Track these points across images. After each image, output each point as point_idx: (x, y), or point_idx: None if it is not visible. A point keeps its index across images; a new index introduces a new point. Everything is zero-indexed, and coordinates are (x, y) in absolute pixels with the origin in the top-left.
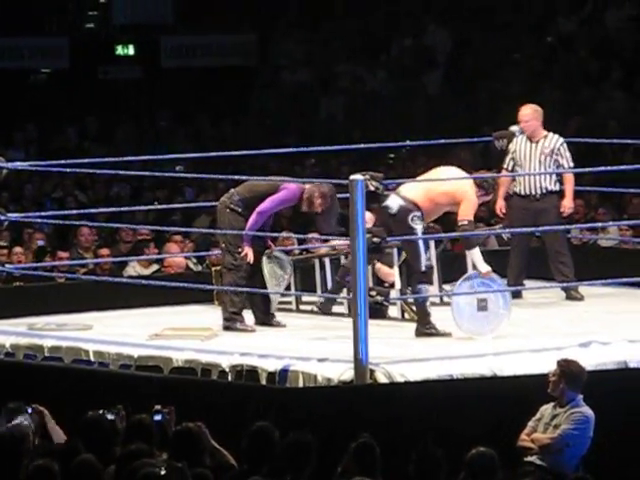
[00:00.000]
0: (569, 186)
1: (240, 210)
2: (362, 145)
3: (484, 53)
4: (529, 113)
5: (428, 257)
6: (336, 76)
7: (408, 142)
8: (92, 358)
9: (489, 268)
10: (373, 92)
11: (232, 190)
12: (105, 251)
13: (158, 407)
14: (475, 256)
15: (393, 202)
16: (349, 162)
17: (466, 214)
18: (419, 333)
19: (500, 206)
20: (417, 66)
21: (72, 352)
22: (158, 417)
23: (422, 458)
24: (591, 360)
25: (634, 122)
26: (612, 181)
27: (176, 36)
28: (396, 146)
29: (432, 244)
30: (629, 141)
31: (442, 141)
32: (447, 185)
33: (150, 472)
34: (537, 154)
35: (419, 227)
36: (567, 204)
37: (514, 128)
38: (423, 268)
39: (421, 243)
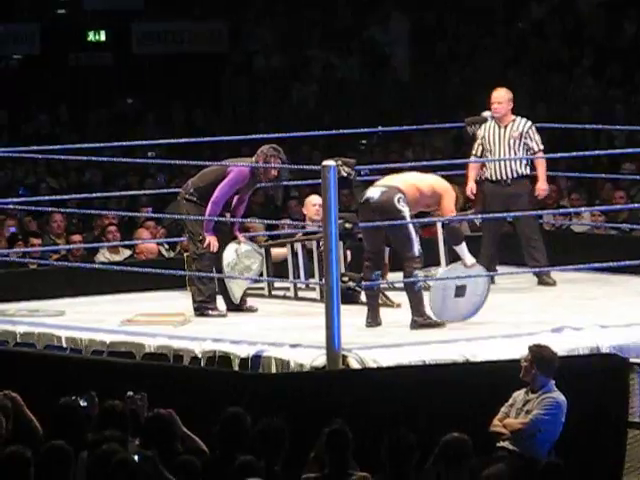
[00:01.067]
0: (541, 169)
1: (195, 199)
2: (333, 131)
3: (455, 39)
4: (503, 95)
5: (418, 241)
6: (307, 62)
7: (380, 128)
8: (64, 344)
9: (474, 260)
10: (344, 78)
11: (188, 181)
12: (77, 237)
13: (130, 393)
14: (462, 250)
15: (374, 192)
16: (321, 148)
17: (450, 209)
18: (417, 325)
19: (471, 188)
20: (387, 52)
21: (44, 338)
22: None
23: (394, 443)
24: (563, 345)
25: (605, 108)
26: (584, 167)
27: (147, 22)
28: (368, 132)
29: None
30: (600, 127)
31: (414, 127)
32: (429, 177)
33: (123, 458)
34: (506, 138)
35: (406, 209)
36: (541, 187)
37: (486, 114)
38: (417, 253)
39: (411, 227)
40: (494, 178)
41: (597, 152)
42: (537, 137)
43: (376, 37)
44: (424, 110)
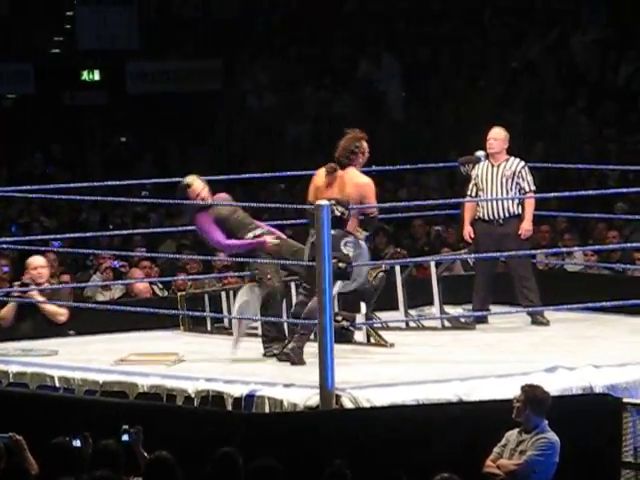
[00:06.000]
0: (529, 209)
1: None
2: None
3: (449, 78)
4: (499, 132)
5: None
6: (302, 101)
7: (373, 167)
8: (57, 384)
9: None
10: (338, 116)
11: None
12: (66, 277)
13: (126, 427)
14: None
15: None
16: None
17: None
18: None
19: (468, 231)
20: (381, 92)
21: (37, 378)
22: (125, 437)
23: None
24: (557, 385)
25: (598, 148)
26: (577, 206)
27: (141, 62)
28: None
29: (397, 269)
30: (594, 167)
31: (408, 166)
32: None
33: None
34: (498, 177)
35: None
36: (525, 226)
37: (479, 153)
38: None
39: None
40: (486, 217)
41: (590, 192)
42: (529, 177)
43: (369, 76)
44: (418, 149)
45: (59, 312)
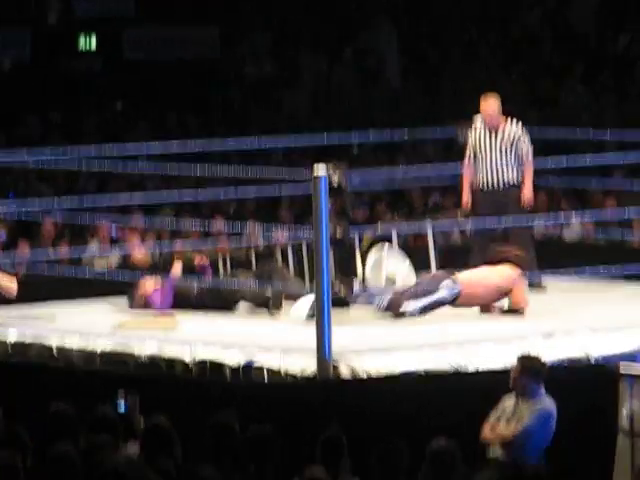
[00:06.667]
0: (528, 176)
1: None
2: (325, 139)
3: (447, 46)
4: (492, 104)
5: None
6: (299, 69)
7: (371, 136)
8: (55, 351)
9: None
10: (336, 85)
11: None
12: (63, 244)
13: (123, 393)
14: None
15: None
16: (312, 155)
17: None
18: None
19: (466, 201)
20: (379, 60)
21: (35, 344)
22: (122, 404)
23: (384, 451)
24: (554, 352)
25: (596, 116)
26: (575, 175)
27: (139, 29)
28: (359, 140)
29: (394, 237)
30: (591, 135)
31: (405, 135)
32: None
33: (110, 466)
34: (497, 145)
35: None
36: (526, 194)
37: (477, 120)
38: None
39: None
40: (486, 187)
41: (588, 159)
42: (528, 143)
43: (367, 45)
44: (416, 117)
45: (12, 287)
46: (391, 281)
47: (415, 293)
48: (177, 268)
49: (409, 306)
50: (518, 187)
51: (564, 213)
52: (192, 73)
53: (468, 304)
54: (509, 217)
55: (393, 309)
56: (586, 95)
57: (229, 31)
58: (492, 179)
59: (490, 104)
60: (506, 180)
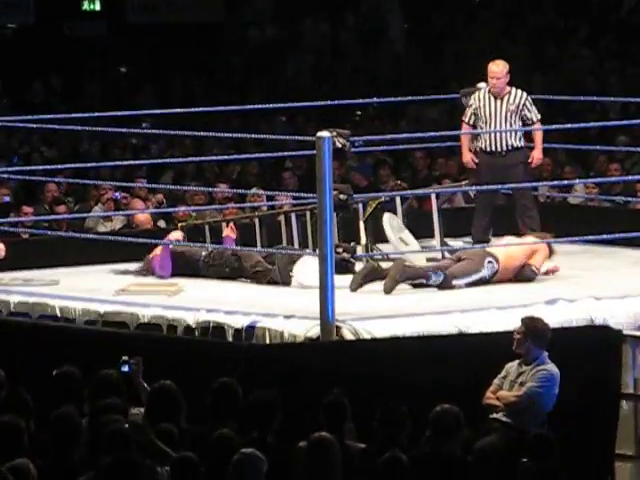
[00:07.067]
0: (538, 138)
1: None
2: (329, 102)
3: (451, 10)
4: (501, 69)
5: None
6: (303, 33)
7: (374, 99)
8: (58, 314)
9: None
10: (340, 49)
11: None
12: (62, 208)
13: (125, 358)
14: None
15: None
16: (316, 119)
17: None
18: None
19: (471, 157)
20: (383, 24)
21: (38, 308)
22: (125, 368)
23: (385, 414)
24: (557, 317)
25: (600, 80)
26: (579, 139)
27: None
28: (362, 103)
29: (398, 201)
30: (595, 98)
31: (408, 98)
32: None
33: (117, 428)
34: (502, 111)
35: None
36: (536, 155)
37: (481, 85)
38: None
39: None
40: (488, 149)
41: (591, 124)
42: (534, 108)
43: (370, 8)
44: (419, 81)
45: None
46: (405, 244)
47: (464, 271)
48: (175, 234)
49: (458, 282)
50: (521, 151)
51: (567, 177)
52: (196, 37)
53: (501, 279)
54: (513, 179)
55: (446, 285)
56: (590, 58)
57: None
58: (496, 143)
59: (500, 69)
60: (510, 144)
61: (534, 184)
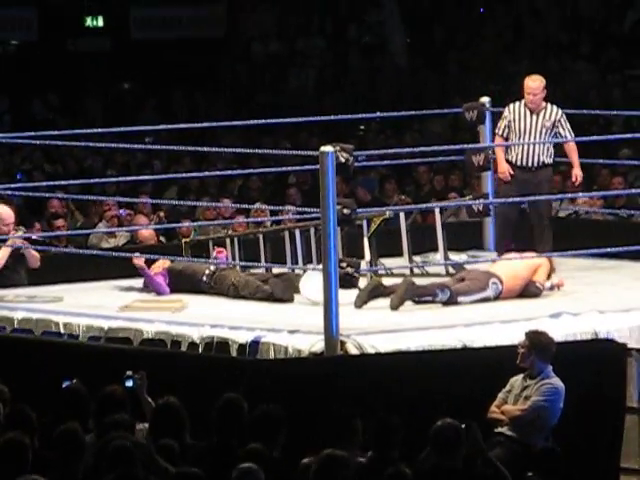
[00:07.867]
0: (575, 155)
1: None
2: (332, 117)
3: (453, 24)
4: (538, 85)
5: None
6: (306, 48)
7: (378, 114)
8: (62, 330)
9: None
10: (343, 63)
11: None
12: (60, 222)
13: (129, 373)
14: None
15: None
16: (319, 134)
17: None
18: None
19: (507, 168)
20: (385, 38)
21: (42, 324)
22: (129, 383)
23: (378, 426)
24: (561, 331)
25: (603, 94)
26: (582, 153)
27: (146, 7)
28: (366, 118)
29: (402, 216)
30: (598, 112)
31: (412, 113)
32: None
33: (121, 444)
34: (538, 126)
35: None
36: (578, 172)
37: (484, 99)
38: None
39: None
40: (519, 164)
41: (594, 137)
42: (568, 125)
43: (373, 22)
44: (422, 95)
45: (37, 256)
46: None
47: (468, 290)
48: (159, 264)
49: (464, 300)
50: (550, 168)
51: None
52: (199, 53)
53: (505, 298)
54: (539, 196)
55: (452, 302)
56: (592, 73)
57: (236, 9)
58: (528, 157)
59: (537, 84)
60: (541, 160)
61: (543, 198)
